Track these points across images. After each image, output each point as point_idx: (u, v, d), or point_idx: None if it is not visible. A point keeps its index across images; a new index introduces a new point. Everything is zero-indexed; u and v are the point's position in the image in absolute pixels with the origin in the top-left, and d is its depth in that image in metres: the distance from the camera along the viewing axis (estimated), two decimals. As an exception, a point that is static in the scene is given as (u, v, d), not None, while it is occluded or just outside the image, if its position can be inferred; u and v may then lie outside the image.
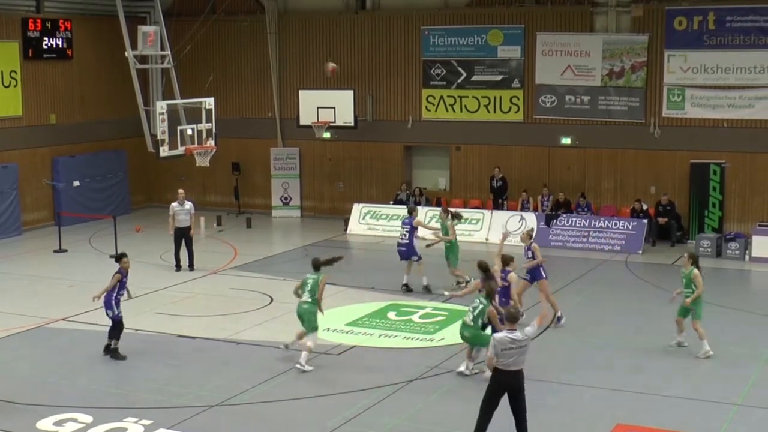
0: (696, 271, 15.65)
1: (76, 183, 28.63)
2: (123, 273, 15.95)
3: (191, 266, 22.26)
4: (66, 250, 24.68)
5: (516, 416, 11.54)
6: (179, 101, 24.00)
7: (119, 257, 16.21)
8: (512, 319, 11.55)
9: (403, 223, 20.58)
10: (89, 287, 20.74)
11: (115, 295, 15.86)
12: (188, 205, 22.37)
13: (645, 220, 24.97)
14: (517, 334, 11.36)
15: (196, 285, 21.14)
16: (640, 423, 12.65)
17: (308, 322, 15.10)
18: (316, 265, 15.41)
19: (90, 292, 20.16)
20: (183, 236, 22.32)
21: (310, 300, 15.13)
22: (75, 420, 12.86)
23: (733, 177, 25.30)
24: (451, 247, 20.16)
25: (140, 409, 13.15)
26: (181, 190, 22.89)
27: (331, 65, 24.54)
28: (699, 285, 15.55)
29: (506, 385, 11.46)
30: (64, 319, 18.14)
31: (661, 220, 25.14)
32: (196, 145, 22.95)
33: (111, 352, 15.80)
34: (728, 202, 25.38)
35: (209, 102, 23.43)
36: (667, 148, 25.87)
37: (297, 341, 15.53)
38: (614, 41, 26.16)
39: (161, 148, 22.64)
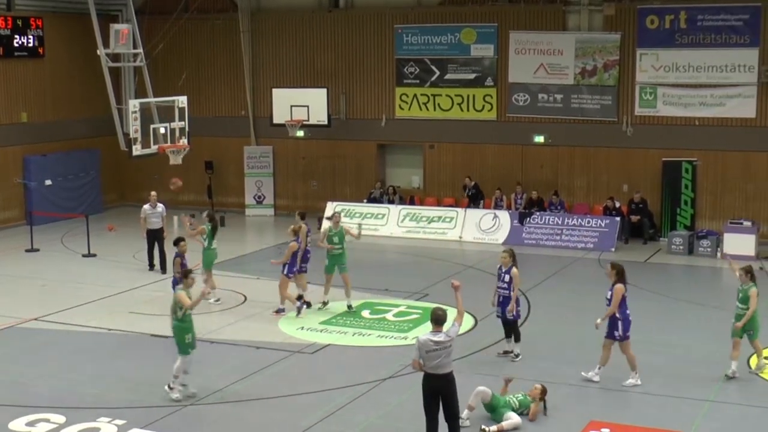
0: (755, 288, 14.40)
1: (48, 182, 28.40)
2: (181, 256, 17.54)
3: (163, 268, 22.06)
4: (38, 250, 24.46)
5: (447, 421, 11.38)
6: (152, 100, 23.85)
7: (178, 241, 17.98)
8: (436, 321, 11.23)
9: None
10: (62, 287, 20.65)
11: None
12: (160, 207, 22.18)
13: (617, 218, 25.11)
14: (440, 336, 11.13)
15: (169, 284, 20.97)
16: (614, 420, 12.70)
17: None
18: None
19: (62, 291, 20.10)
20: (155, 238, 22.16)
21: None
22: (47, 420, 12.75)
23: (704, 175, 25.51)
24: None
25: (113, 409, 13.06)
26: (153, 193, 22.68)
27: (176, 182, 23.20)
28: (753, 304, 14.28)
29: (436, 388, 11.27)
30: (36, 319, 17.98)
31: (634, 218, 25.28)
32: (169, 144, 22.84)
33: None
34: (700, 200, 25.57)
35: (182, 100, 23.32)
36: (639, 146, 26.02)
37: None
38: (587, 40, 26.28)
39: (134, 147, 22.50)
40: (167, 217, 22.81)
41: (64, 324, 17.61)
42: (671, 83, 25.62)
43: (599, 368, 14.30)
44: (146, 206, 22.13)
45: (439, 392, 11.27)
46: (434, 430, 11.40)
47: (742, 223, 23.79)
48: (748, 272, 14.61)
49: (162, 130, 22.76)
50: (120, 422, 12.62)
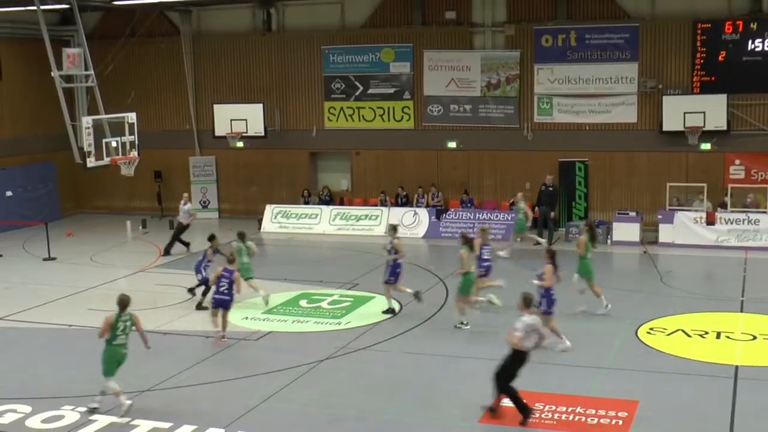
0: (581, 237, 16.97)
1: (9, 193, 27.64)
2: (213, 249, 18.31)
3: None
4: (1, 255, 23.78)
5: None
6: (103, 116, 23.28)
7: (211, 238, 18.52)
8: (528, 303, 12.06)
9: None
10: (24, 288, 20.09)
11: (204, 263, 18.11)
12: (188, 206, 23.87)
13: (522, 212, 25.40)
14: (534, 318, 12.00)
15: (124, 282, 20.63)
16: (523, 388, 12.81)
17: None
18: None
19: (25, 293, 19.53)
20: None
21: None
22: (14, 411, 12.41)
23: (595, 172, 25.98)
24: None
25: (75, 398, 12.75)
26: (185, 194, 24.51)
27: None
28: (579, 248, 16.76)
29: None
30: (1, 319, 17.47)
31: (536, 213, 25.47)
32: (120, 156, 22.39)
33: (198, 306, 17.71)
34: (592, 194, 26.03)
35: (131, 116, 22.87)
36: (538, 149, 26.35)
37: None
38: (491, 57, 26.55)
39: (88, 160, 21.97)
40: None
41: (26, 322, 17.15)
42: (564, 94, 26.02)
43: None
44: (181, 203, 23.89)
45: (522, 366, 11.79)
46: None
47: (627, 214, 24.32)
48: (586, 225, 17.37)
49: (114, 144, 22.28)
50: (82, 409, 12.34)
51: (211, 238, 18.62)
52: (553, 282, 14.62)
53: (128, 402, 12.20)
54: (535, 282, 14.64)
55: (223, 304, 15.53)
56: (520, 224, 23.01)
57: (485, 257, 17.41)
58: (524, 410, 11.60)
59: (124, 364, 12.47)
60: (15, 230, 26.63)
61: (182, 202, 24.15)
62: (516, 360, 11.63)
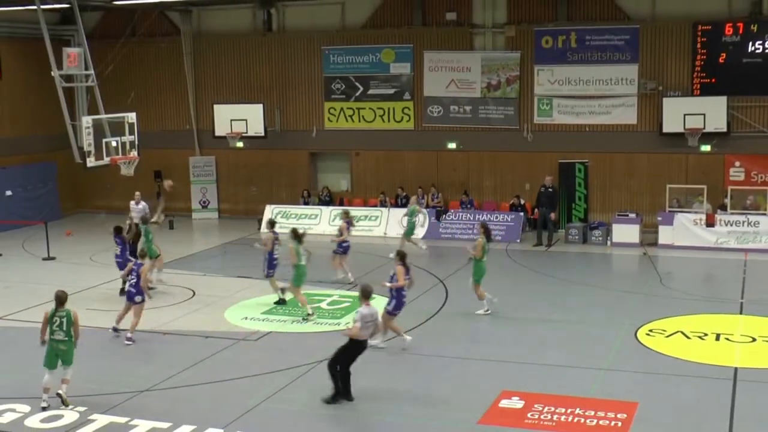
0: (478, 239, 16.91)
1: (9, 192, 27.65)
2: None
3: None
4: (1, 254, 23.79)
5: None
6: (103, 116, 23.28)
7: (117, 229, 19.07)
8: (367, 296, 12.71)
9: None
10: (23, 288, 20.09)
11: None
12: (142, 205, 22.59)
13: (521, 213, 25.43)
14: (372, 309, 12.72)
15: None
16: (522, 389, 12.86)
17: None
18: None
19: (25, 292, 19.55)
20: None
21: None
22: (14, 410, 12.41)
23: (595, 174, 25.98)
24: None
25: (75, 398, 12.74)
26: (137, 193, 23.23)
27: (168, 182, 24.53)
28: (477, 250, 16.82)
29: (361, 351, 12.51)
30: (1, 318, 17.47)
31: (535, 214, 25.47)
32: (120, 156, 22.40)
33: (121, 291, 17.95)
34: (591, 195, 26.03)
35: (131, 116, 22.89)
36: (538, 150, 26.35)
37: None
38: (491, 58, 26.56)
39: (88, 159, 21.96)
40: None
41: (26, 322, 17.14)
42: (564, 95, 26.02)
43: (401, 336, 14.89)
44: (131, 203, 22.71)
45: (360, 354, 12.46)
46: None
47: (627, 215, 24.34)
48: (482, 227, 17.16)
49: (114, 144, 22.29)
50: (81, 409, 12.34)
51: (118, 229, 19.21)
52: (407, 284, 14.79)
53: (44, 404, 12.35)
54: (387, 284, 14.75)
55: (130, 297, 15.75)
56: (411, 227, 23.01)
57: (345, 239, 19.78)
58: (347, 394, 12.38)
59: (70, 363, 12.53)
60: (15, 230, 26.63)
61: (133, 201, 23.00)
62: (353, 348, 12.39)
